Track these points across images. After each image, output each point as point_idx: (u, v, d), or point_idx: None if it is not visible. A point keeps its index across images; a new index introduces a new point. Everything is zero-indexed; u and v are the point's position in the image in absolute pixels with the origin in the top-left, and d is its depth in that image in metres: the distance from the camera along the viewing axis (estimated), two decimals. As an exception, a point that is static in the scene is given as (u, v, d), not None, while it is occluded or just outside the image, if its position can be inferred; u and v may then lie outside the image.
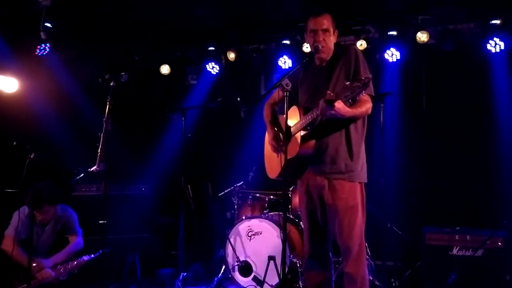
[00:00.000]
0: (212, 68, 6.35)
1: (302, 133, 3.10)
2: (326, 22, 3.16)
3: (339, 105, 2.81)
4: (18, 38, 5.29)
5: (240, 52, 6.21)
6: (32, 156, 3.63)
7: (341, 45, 3.41)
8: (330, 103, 2.79)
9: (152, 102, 6.61)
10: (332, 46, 3.24)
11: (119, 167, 5.55)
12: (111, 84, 3.71)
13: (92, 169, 3.64)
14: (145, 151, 6.35)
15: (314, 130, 3.10)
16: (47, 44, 5.38)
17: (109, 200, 5.03)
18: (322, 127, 3.10)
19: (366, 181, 3.22)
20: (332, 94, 2.82)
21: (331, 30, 3.19)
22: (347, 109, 2.89)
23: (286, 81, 2.94)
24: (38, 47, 5.39)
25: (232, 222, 4.96)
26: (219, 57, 6.35)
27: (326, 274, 3.27)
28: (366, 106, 3.05)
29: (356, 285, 3.07)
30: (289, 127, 3.18)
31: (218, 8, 5.74)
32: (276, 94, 3.43)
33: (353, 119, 3.09)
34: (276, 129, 3.39)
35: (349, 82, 2.72)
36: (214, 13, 5.86)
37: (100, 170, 3.62)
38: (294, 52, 5.93)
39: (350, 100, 2.79)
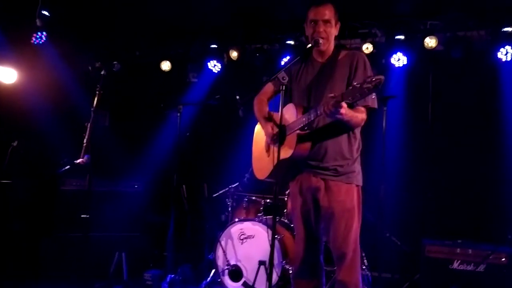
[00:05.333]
0: (214, 66, 6.22)
1: (299, 133, 2.92)
2: (328, 12, 2.98)
3: (346, 108, 2.66)
4: (14, 26, 5.18)
5: (243, 51, 6.11)
6: (15, 144, 3.48)
7: (346, 47, 3.24)
8: (337, 105, 2.61)
9: (150, 99, 6.50)
10: (333, 39, 3.07)
11: (113, 162, 5.45)
12: (102, 73, 3.57)
13: (78, 161, 3.50)
14: (140, 148, 6.25)
15: (312, 131, 2.93)
16: (43, 33, 5.25)
17: (100, 196, 4.93)
18: (322, 129, 2.94)
19: (361, 184, 3.05)
20: (337, 95, 2.63)
21: (333, 21, 3.01)
22: (352, 112, 2.75)
23: (282, 74, 2.78)
24: (34, 35, 5.26)
25: (225, 225, 4.79)
26: (221, 55, 6.24)
27: (317, 282, 3.10)
28: (362, 115, 2.90)
29: (349, 294, 2.89)
30: (284, 125, 3.00)
31: (223, 5, 5.62)
32: (269, 88, 3.26)
33: (349, 125, 2.92)
34: (272, 126, 3.19)
35: (358, 83, 2.52)
36: (218, 10, 5.75)
37: (86, 162, 3.48)
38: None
39: (353, 103, 2.62)
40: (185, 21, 6.04)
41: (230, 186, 5.02)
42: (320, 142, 2.95)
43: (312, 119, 2.84)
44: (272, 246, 2.68)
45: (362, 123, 2.95)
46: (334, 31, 3.04)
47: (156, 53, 6.42)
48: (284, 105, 2.89)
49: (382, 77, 2.48)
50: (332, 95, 2.65)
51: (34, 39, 5.26)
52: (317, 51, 3.07)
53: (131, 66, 6.24)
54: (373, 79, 2.47)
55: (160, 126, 6.21)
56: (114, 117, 6.24)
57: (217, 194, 5.13)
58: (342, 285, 2.93)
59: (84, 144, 3.38)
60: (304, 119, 2.88)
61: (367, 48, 5.43)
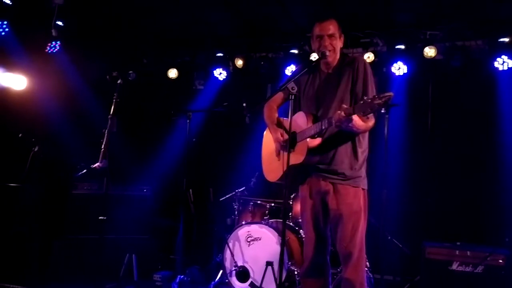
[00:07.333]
0: (220, 74, 6.38)
1: (309, 140, 3.08)
2: (332, 27, 3.16)
3: (356, 119, 2.82)
4: (30, 35, 5.34)
5: (248, 60, 6.25)
6: (36, 149, 3.62)
7: (349, 55, 3.40)
8: (349, 117, 2.79)
9: (158, 105, 6.63)
10: (339, 51, 3.24)
11: (122, 167, 5.57)
12: (118, 82, 3.73)
13: (94, 165, 3.64)
14: (149, 153, 6.34)
15: (322, 138, 3.08)
16: (58, 42, 5.42)
17: (110, 200, 5.03)
18: (332, 137, 3.10)
19: (367, 187, 3.21)
20: (349, 107, 2.80)
21: (337, 35, 3.19)
22: (362, 123, 2.91)
23: (292, 84, 2.93)
24: (49, 44, 5.43)
25: (232, 228, 4.92)
26: (227, 64, 6.39)
27: (324, 281, 3.24)
28: (372, 121, 3.06)
29: (354, 292, 3.04)
30: (294, 132, 3.17)
31: (229, 15, 5.78)
32: (279, 96, 3.41)
33: (359, 132, 3.09)
34: (281, 132, 3.34)
35: (369, 98, 2.69)
36: (224, 20, 5.90)
37: (102, 167, 3.62)
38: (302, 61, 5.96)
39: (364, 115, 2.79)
40: (191, 31, 6.20)
41: (236, 190, 5.14)
42: (329, 147, 3.12)
43: (323, 128, 3.00)
44: (282, 246, 2.82)
45: (372, 127, 3.10)
46: (339, 43, 3.22)
47: (163, 61, 6.58)
48: (293, 112, 3.05)
49: (391, 94, 2.66)
50: (346, 107, 2.81)
51: (48, 48, 5.43)
52: (323, 62, 3.24)
53: (138, 73, 6.38)
54: (383, 96, 2.65)
55: (168, 132, 6.33)
56: (123, 123, 6.36)
57: (224, 198, 5.26)
58: (348, 283, 3.06)
59: (102, 150, 3.53)
60: (316, 128, 3.04)
61: (369, 57, 5.58)
